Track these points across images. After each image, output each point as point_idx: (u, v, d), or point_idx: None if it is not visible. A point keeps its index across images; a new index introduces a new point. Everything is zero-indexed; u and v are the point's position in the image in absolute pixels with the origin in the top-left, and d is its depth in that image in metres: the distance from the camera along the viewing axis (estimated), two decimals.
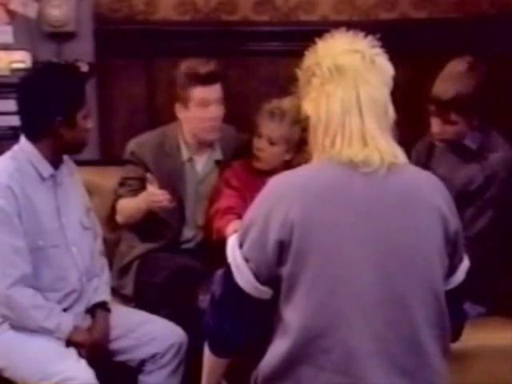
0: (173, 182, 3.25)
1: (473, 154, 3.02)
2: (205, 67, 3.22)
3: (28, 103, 2.77)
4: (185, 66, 3.27)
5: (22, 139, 2.79)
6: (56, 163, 2.81)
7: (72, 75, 2.82)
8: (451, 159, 3.09)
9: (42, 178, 2.77)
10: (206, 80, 3.22)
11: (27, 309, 2.69)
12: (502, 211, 2.98)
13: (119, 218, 3.32)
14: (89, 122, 2.81)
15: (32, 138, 2.77)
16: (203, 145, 3.34)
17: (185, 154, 3.33)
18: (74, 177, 2.93)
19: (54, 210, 2.79)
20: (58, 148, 2.77)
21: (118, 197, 3.33)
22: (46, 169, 2.77)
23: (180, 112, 3.28)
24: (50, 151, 2.77)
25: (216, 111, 3.25)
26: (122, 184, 3.33)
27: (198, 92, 3.22)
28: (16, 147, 2.80)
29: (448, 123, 2.98)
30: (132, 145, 3.33)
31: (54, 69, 2.86)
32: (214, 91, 3.24)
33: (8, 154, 2.80)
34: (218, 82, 3.25)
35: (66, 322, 2.74)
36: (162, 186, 3.14)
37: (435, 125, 3.02)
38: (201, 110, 3.24)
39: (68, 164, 2.91)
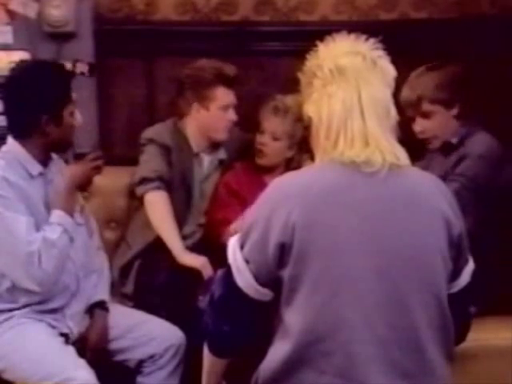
0: (184, 174, 3.27)
1: (453, 147, 3.05)
2: (231, 69, 3.25)
3: (14, 102, 2.76)
4: (208, 65, 3.27)
5: (10, 140, 2.78)
6: (44, 161, 2.80)
7: (57, 73, 2.81)
8: (440, 160, 3.11)
9: (31, 176, 2.75)
10: (232, 82, 3.25)
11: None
12: (470, 188, 2.93)
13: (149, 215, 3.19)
14: (75, 119, 2.79)
15: (19, 138, 2.76)
16: (211, 144, 3.35)
17: (194, 149, 3.33)
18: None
19: (45, 206, 2.77)
20: (46, 146, 2.77)
21: (152, 172, 3.18)
22: (35, 167, 2.76)
23: (198, 112, 3.27)
24: (38, 150, 2.76)
25: (234, 115, 3.28)
26: (147, 161, 3.23)
27: (224, 94, 3.25)
28: (4, 148, 2.79)
29: (424, 117, 3.03)
30: (149, 133, 3.30)
31: (39, 67, 2.86)
32: (233, 94, 3.28)
33: None
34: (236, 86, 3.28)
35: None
36: (176, 176, 3.19)
37: (416, 125, 3.05)
38: (222, 112, 3.26)
39: (57, 162, 2.90)
